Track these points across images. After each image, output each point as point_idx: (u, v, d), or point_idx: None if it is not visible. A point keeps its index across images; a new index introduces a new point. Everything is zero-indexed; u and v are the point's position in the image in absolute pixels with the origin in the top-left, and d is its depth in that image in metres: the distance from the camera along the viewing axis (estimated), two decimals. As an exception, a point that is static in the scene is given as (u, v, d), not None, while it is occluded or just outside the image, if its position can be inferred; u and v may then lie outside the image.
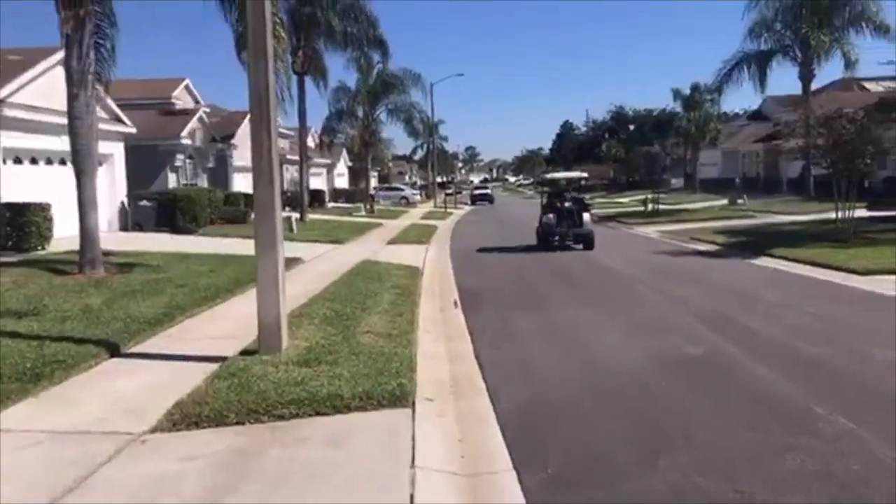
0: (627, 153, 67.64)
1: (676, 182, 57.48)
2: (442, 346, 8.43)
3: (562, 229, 18.72)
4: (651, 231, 24.46)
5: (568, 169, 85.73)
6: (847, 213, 16.97)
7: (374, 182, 62.65)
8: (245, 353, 7.03)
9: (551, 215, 18.85)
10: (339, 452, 4.73)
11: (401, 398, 5.72)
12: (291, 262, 14.64)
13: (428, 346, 8.19)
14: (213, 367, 6.58)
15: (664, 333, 8.46)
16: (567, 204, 19.11)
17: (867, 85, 44.46)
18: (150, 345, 7.74)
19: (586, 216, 18.86)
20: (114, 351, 7.19)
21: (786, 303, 10.08)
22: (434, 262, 17.00)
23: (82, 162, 11.89)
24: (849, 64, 30.97)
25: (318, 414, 5.42)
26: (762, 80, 31.84)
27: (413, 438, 4.96)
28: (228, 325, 8.76)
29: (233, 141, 31.72)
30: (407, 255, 17.71)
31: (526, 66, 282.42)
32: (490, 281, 13.84)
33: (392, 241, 21.89)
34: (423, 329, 9.03)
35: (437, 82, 51.84)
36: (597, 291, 12.03)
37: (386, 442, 4.92)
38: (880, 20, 28.76)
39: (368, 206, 39.48)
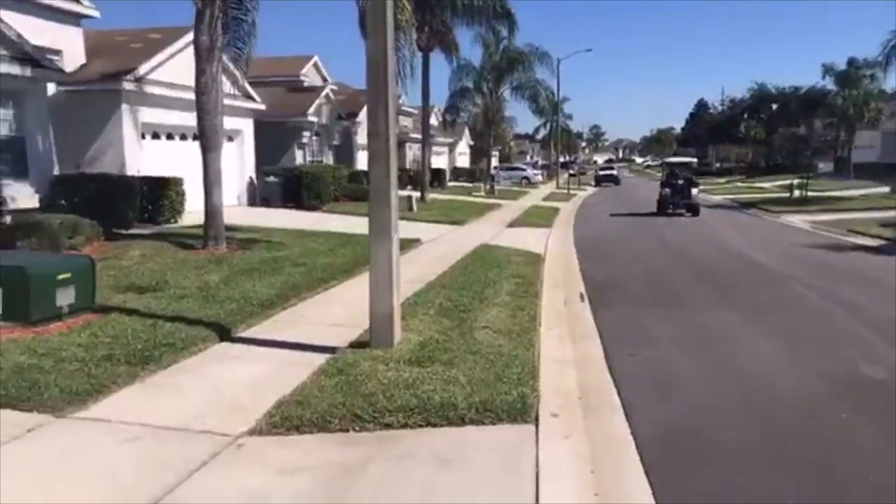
0: (769, 134, 62.85)
1: (824, 167, 52.56)
2: (568, 347, 7.60)
3: (674, 200, 24.22)
4: (799, 220, 22.15)
5: (702, 150, 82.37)
6: None
7: (494, 161, 61.96)
8: (356, 345, 6.57)
9: (667, 189, 24.70)
10: (450, 476, 4.10)
11: (522, 412, 5.01)
12: (409, 244, 14.27)
13: (552, 347, 7.40)
14: (322, 359, 6.15)
15: (832, 348, 7.19)
16: (680, 181, 24.78)
17: None
18: (262, 329, 7.46)
19: (694, 191, 24.59)
20: (224, 335, 6.95)
21: None
22: (557, 248, 16.06)
23: (208, 138, 11.96)
24: None
25: (429, 424, 4.82)
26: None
27: (536, 465, 4.24)
28: (342, 310, 8.37)
29: (357, 119, 31.94)
30: (528, 239, 16.88)
31: (657, 42, 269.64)
32: (619, 272, 12.76)
33: (512, 224, 21.10)
34: (546, 326, 8.25)
35: (563, 58, 50.25)
36: (744, 291, 10.69)
37: (504, 467, 4.24)
38: None
39: (488, 186, 38.79)
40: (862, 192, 33.17)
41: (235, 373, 5.92)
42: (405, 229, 17.80)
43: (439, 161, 48.43)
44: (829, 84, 49.09)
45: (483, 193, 36.20)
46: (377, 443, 4.56)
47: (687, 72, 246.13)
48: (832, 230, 19.01)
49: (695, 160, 31.08)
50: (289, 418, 4.81)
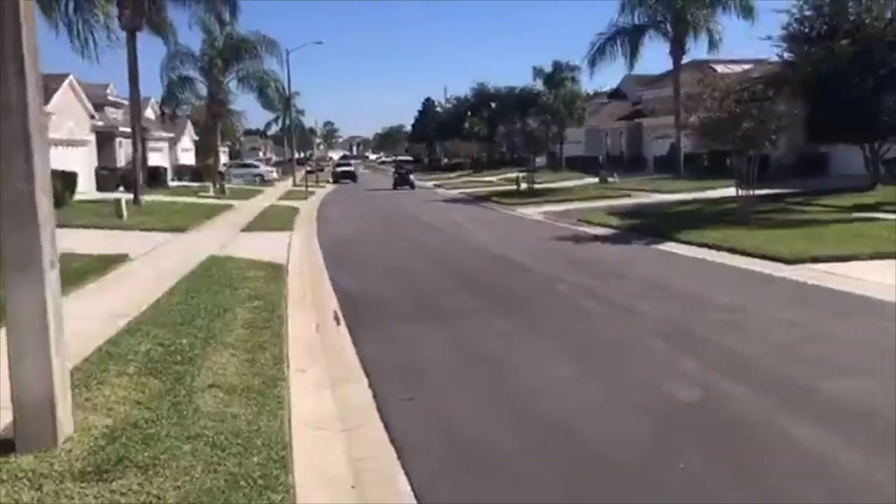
0: (491, 131, 67.02)
1: (540, 160, 57.26)
2: (327, 396, 5.82)
3: (401, 182, 42.42)
4: (534, 213, 22.86)
5: (431, 146, 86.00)
6: (747, 192, 15.97)
7: (224, 158, 57.39)
8: (-9, 450, 4.08)
9: (398, 176, 43.55)
10: None
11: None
12: (111, 262, 11.32)
13: (307, 401, 5.56)
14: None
15: (625, 362, 6.37)
16: (404, 171, 44.57)
17: (716, 67, 46.11)
18: None
19: (411, 177, 43.90)
20: None
21: (744, 307, 8.35)
22: (301, 254, 14.14)
23: None
24: (713, 43, 31.18)
25: None
26: (633, 56, 31.30)
27: None
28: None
29: None
30: (266, 246, 14.70)
31: (387, 40, 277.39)
32: (374, 281, 11.29)
33: (247, 229, 18.63)
34: (297, 366, 6.38)
35: (293, 49, 48.02)
36: (510, 294, 9.83)
37: None
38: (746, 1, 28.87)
39: (218, 186, 35.18)
40: (578, 182, 36.12)
41: None
42: (110, 241, 14.30)
43: (158, 158, 43.10)
44: (539, 85, 53.59)
45: (212, 194, 32.60)
46: None
47: (415, 70, 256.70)
48: (564, 220, 19.68)
49: (411, 157, 45.31)
50: None
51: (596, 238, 15.69)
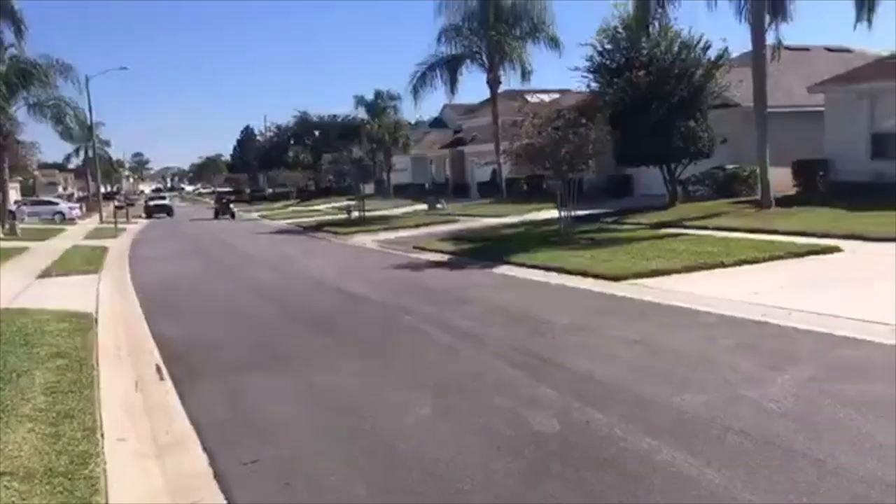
0: (316, 159, 66.00)
1: (367, 188, 57.16)
2: (153, 469, 5.00)
3: (222, 211, 44.96)
4: (368, 241, 22.50)
5: (253, 176, 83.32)
6: (569, 213, 16.82)
7: (14, 195, 51.19)
8: None
9: (218, 206, 46.52)
10: None
11: None
12: None
13: (128, 475, 4.75)
14: None
15: (485, 396, 6.16)
16: (225, 201, 48.54)
17: (527, 96, 49.09)
18: None
19: (231, 206, 46.99)
20: None
21: (586, 326, 8.55)
22: (112, 300, 12.63)
23: None
24: (525, 73, 33.00)
25: None
26: (453, 84, 32.27)
27: None
28: None
29: None
30: (70, 292, 12.99)
31: (200, 67, 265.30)
32: (203, 325, 10.28)
33: (45, 274, 16.42)
34: (114, 434, 5.47)
35: (94, 76, 44.17)
36: (356, 330, 9.34)
37: None
38: (552, 34, 30.91)
39: (7, 226, 31.07)
40: (407, 209, 36.37)
41: None
42: None
43: (-71, 198, 37.27)
44: (362, 113, 53.76)
45: (1, 235, 28.70)
46: None
47: (231, 98, 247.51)
48: (398, 248, 19.53)
49: (230, 189, 48.71)
50: None
51: (433, 264, 15.63)
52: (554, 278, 12.34)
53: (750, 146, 20.08)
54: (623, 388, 6.03)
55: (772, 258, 12.08)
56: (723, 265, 11.83)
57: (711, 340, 7.48)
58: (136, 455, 5.28)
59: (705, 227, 16.88)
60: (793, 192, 21.07)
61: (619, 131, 18.97)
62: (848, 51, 28.23)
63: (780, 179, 20.22)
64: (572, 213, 16.94)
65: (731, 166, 23.43)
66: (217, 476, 4.82)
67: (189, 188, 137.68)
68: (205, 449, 5.32)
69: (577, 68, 21.29)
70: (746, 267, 11.69)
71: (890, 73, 19.52)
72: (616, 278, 11.56)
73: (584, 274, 12.21)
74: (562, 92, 37.44)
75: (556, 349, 7.47)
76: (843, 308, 8.27)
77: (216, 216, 44.51)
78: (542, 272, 12.98)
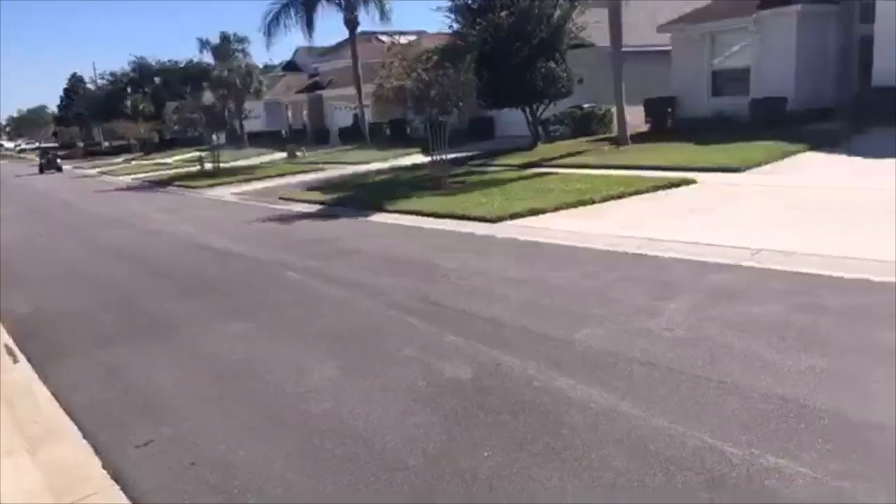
0: (158, 108, 61.13)
1: (217, 138, 53.83)
2: (25, 466, 4.40)
3: (48, 167, 44.86)
4: (227, 193, 21.26)
5: (86, 129, 76.28)
6: (440, 157, 16.71)
7: None
8: None
9: (44, 161, 45.99)
10: None
11: None
12: None
13: None
14: None
15: (389, 348, 5.98)
16: (50, 155, 48.35)
17: (384, 38, 48.01)
18: None
19: (58, 161, 46.80)
20: None
21: (475, 270, 8.53)
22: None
23: None
24: (384, 14, 32.12)
25: None
26: (310, 26, 30.77)
27: None
28: None
29: None
30: None
31: (8, 9, 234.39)
32: (57, 295, 9.23)
33: None
34: (-29, 432, 4.75)
35: None
36: (235, 289, 8.76)
37: None
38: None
39: None
40: (265, 158, 34.76)
41: None
42: None
43: None
44: (208, 57, 50.19)
45: None
46: None
47: (54, 44, 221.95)
48: (262, 200, 18.63)
49: (55, 144, 53.37)
50: None
51: (304, 215, 15.03)
52: (433, 223, 12.25)
53: (605, 85, 20.85)
54: (524, 328, 6.07)
55: (636, 192, 12.68)
56: (592, 202, 12.27)
57: (596, 275, 7.73)
58: (2, 452, 4.62)
59: (570, 166, 17.45)
60: (645, 129, 22.22)
61: (485, 73, 18.97)
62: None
63: (634, 117, 21.22)
64: (445, 158, 16.85)
65: (587, 105, 24.28)
66: (106, 465, 4.33)
67: (9, 144, 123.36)
68: (86, 436, 4.77)
69: (439, 8, 20.92)
70: (614, 202, 12.21)
71: (727, 13, 20.86)
72: (494, 220, 11.68)
73: (463, 217, 12.24)
74: (418, 34, 36.90)
75: (451, 294, 7.40)
76: (708, 236, 8.85)
77: (41, 171, 44.63)
78: (419, 218, 12.86)
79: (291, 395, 5.12)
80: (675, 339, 5.48)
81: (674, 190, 12.82)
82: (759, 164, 14.13)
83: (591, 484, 3.61)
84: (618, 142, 19.89)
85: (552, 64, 20.65)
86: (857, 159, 13.56)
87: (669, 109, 22.26)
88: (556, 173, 16.55)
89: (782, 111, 18.79)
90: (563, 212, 11.88)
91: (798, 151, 14.93)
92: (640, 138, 20.25)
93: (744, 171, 13.78)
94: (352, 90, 33.63)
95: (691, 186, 12.98)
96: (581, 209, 11.96)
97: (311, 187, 19.59)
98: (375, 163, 24.85)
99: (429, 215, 12.87)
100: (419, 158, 22.47)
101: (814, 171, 13.18)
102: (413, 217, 13.07)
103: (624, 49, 20.09)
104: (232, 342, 6.52)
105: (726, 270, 7.42)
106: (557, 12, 20.44)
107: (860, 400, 4.20)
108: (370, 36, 44.56)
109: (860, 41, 19.11)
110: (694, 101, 21.49)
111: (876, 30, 17.47)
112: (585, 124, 23.99)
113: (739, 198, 11.51)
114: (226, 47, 48.24)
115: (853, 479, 3.41)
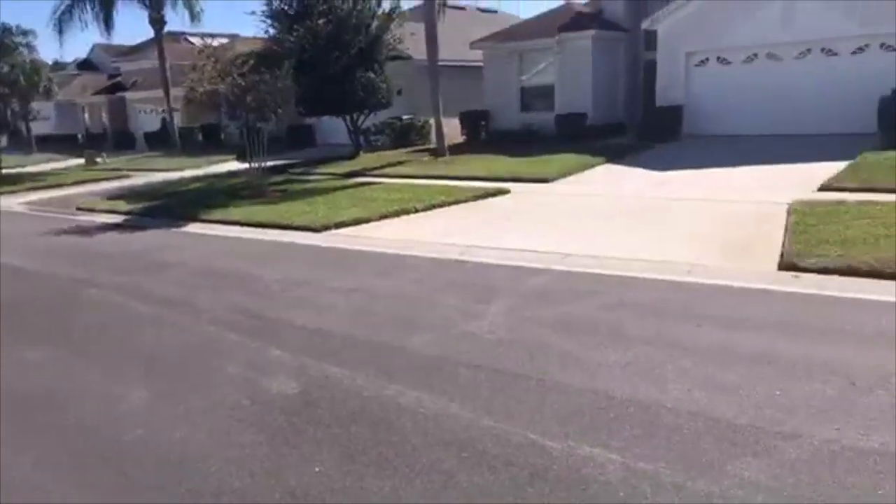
0: None
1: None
2: None
3: None
4: (13, 203, 18.93)
5: None
6: (259, 165, 16.15)
7: None
8: None
9: None
10: None
11: None
12: None
13: None
14: None
15: (210, 367, 5.66)
16: None
17: (193, 40, 45.56)
18: None
19: None
20: None
21: (301, 280, 8.33)
22: None
23: None
24: (194, 15, 30.55)
25: None
26: (108, 23, 28.36)
27: None
28: None
29: None
30: None
31: None
32: None
33: None
34: None
35: None
36: (28, 312, 7.78)
37: None
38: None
39: None
40: (58, 165, 31.46)
41: None
42: None
43: None
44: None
45: None
46: None
47: None
48: (60, 211, 16.87)
49: None
50: None
51: (109, 227, 13.80)
52: (254, 233, 11.83)
53: (422, 97, 21.43)
54: (352, 338, 6.05)
55: (456, 202, 13.14)
56: (416, 210, 12.53)
57: (421, 282, 7.91)
58: None
59: (392, 176, 17.70)
60: (461, 140, 23.16)
61: (303, 80, 18.67)
62: (495, 12, 31.69)
63: (451, 129, 22.01)
64: (264, 165, 16.33)
65: (406, 117, 24.80)
66: None
67: None
68: None
69: (254, 12, 20.28)
70: (437, 211, 12.56)
71: (533, 34, 22.36)
72: (319, 229, 11.53)
73: (285, 227, 11.94)
74: (232, 36, 35.46)
75: (276, 307, 7.19)
76: (523, 242, 9.40)
77: None
78: (239, 228, 12.36)
79: (98, 426, 4.67)
80: (497, 340, 5.75)
81: (491, 199, 13.45)
82: (564, 176, 15.29)
83: (423, 488, 3.68)
84: (437, 153, 20.50)
85: (371, 74, 20.85)
86: (646, 171, 15.13)
87: (483, 122, 23.39)
88: (379, 183, 16.69)
89: (583, 126, 20.51)
90: (387, 220, 12.00)
91: (597, 164, 16.37)
92: (457, 149, 21.03)
93: (551, 181, 14.83)
94: (159, 93, 31.56)
95: (506, 196, 13.70)
96: (405, 217, 12.16)
97: (116, 196, 18.06)
98: (188, 170, 23.50)
99: (249, 225, 12.41)
100: (235, 165, 21.62)
101: (611, 181, 14.51)
102: (232, 227, 12.51)
103: (440, 63, 20.78)
104: (28, 371, 5.81)
105: (541, 274, 7.91)
106: (375, 23, 20.68)
107: (657, 388, 4.68)
108: (179, 36, 42.04)
109: (645, 65, 21.43)
110: (506, 115, 22.76)
111: (658, 56, 19.68)
112: (405, 135, 24.49)
113: (549, 206, 12.36)
114: (7, 40, 43.11)
115: (655, 460, 3.79)
